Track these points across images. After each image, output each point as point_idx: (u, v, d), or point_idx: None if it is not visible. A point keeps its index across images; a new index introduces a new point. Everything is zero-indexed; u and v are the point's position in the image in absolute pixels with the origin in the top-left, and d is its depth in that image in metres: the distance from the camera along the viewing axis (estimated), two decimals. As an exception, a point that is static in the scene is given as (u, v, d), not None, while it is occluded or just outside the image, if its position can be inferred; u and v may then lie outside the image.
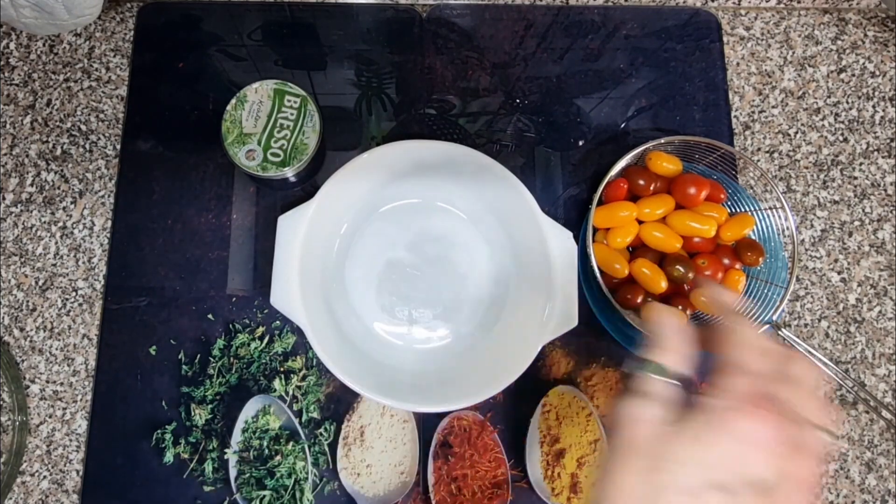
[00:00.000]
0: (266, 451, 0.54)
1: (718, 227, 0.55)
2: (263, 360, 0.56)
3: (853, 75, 0.65)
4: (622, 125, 0.62)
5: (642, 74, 0.64)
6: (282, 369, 0.56)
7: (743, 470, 0.28)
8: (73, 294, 0.58)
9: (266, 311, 0.57)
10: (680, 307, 0.54)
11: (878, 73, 0.65)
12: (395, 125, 0.62)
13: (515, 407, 0.56)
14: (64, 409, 0.55)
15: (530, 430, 0.55)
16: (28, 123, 0.61)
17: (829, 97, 0.64)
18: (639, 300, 0.54)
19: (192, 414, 0.55)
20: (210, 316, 0.57)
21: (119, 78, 0.63)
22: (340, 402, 0.55)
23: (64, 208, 0.60)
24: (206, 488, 0.54)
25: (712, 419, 0.29)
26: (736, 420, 0.29)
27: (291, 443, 0.54)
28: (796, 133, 0.63)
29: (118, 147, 0.61)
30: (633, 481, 0.29)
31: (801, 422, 0.29)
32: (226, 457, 0.54)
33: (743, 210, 0.58)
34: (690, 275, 0.53)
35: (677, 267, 0.53)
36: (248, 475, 0.54)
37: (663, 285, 0.53)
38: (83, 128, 0.61)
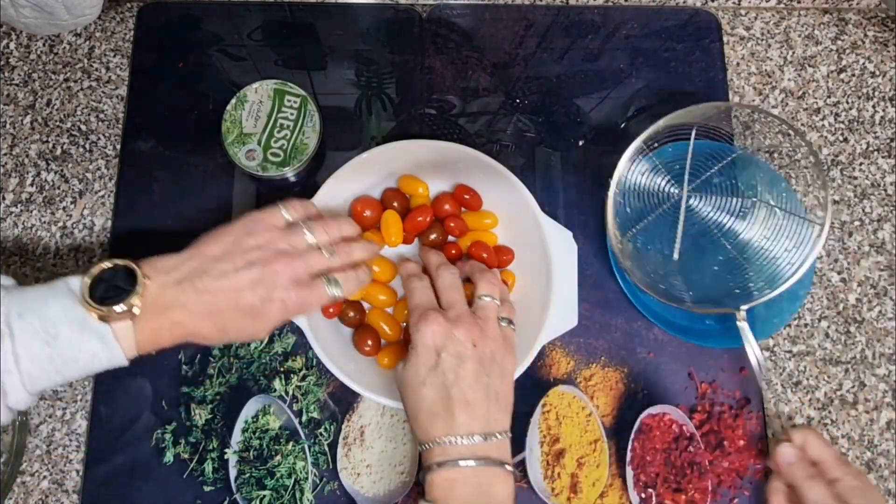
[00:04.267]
0: (266, 451, 0.54)
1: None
2: (263, 360, 0.56)
3: (853, 75, 0.65)
4: (622, 125, 0.63)
5: (642, 74, 0.64)
6: (282, 369, 0.56)
7: None
8: (73, 294, 0.58)
9: (266, 311, 0.57)
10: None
11: (878, 73, 0.65)
12: (395, 125, 0.62)
13: (515, 407, 0.56)
14: (64, 409, 0.55)
15: (530, 430, 0.55)
16: (28, 123, 0.61)
17: (829, 97, 0.64)
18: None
19: (192, 414, 0.55)
20: (210, 316, 0.57)
21: (119, 78, 0.63)
22: (340, 402, 0.55)
23: (64, 208, 0.60)
24: (206, 488, 0.53)
25: None
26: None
27: (291, 443, 0.54)
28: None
29: (118, 147, 0.61)
30: None
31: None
32: (226, 457, 0.54)
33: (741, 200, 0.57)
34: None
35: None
36: (248, 475, 0.54)
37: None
38: (83, 128, 0.61)
